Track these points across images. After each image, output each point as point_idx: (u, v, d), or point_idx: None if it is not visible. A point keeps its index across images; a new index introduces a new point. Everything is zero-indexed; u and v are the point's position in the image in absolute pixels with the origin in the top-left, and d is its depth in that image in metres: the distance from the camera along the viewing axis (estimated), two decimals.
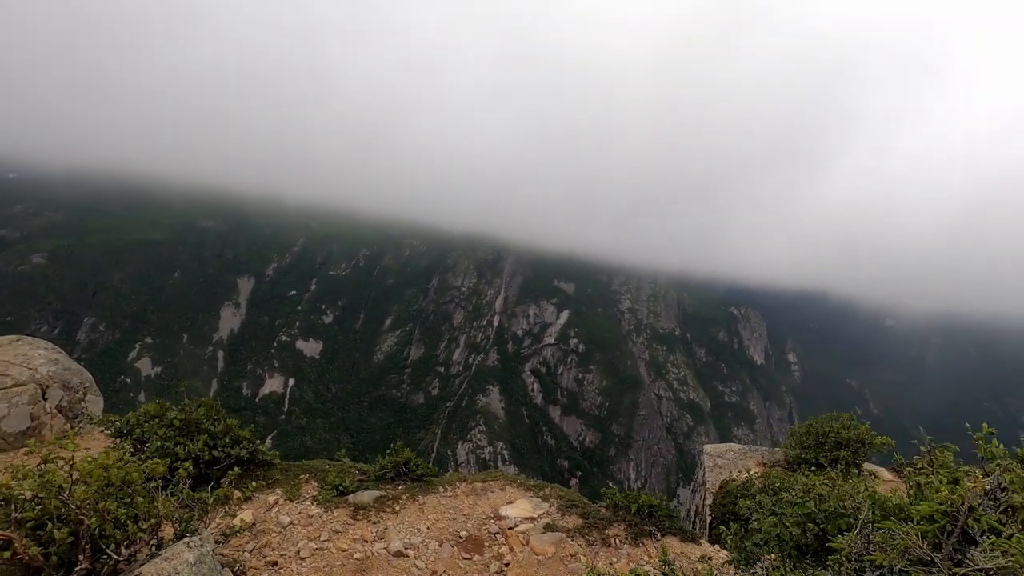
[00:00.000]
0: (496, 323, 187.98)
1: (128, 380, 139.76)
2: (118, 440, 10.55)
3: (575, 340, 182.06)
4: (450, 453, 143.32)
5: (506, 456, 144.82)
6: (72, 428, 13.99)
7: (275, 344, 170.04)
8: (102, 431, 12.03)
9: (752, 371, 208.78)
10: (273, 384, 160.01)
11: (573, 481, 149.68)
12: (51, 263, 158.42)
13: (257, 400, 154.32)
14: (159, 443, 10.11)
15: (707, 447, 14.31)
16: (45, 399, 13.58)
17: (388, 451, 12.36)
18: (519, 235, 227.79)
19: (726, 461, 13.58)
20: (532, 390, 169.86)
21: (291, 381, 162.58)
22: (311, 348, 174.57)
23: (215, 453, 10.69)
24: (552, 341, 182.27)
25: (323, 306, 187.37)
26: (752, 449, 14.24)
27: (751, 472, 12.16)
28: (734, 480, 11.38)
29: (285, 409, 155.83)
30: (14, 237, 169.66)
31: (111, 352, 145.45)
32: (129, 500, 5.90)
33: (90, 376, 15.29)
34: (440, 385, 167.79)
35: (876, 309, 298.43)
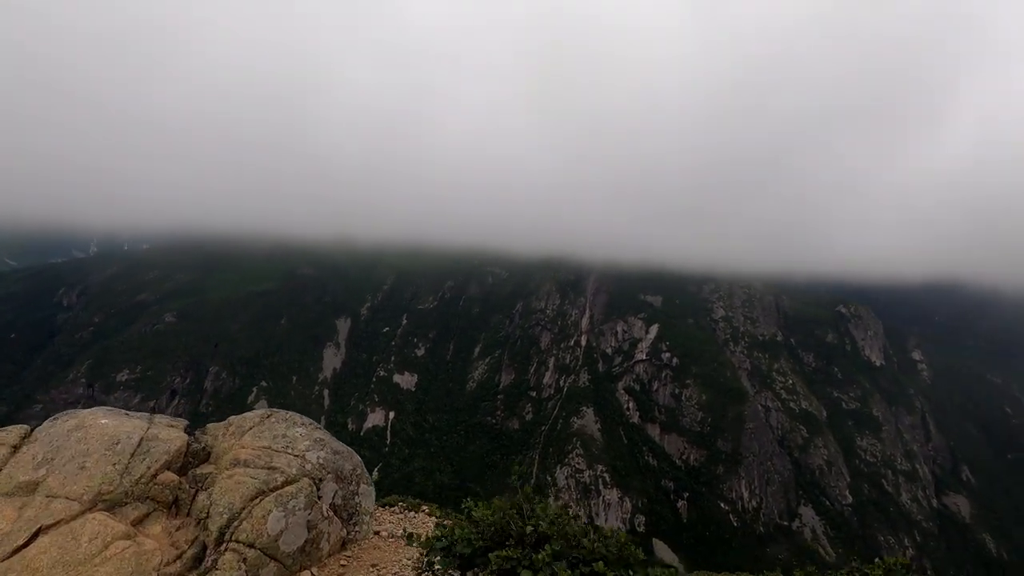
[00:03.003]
0: (584, 343, 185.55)
1: None
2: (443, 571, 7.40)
3: (668, 354, 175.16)
4: (550, 478, 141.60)
5: (607, 479, 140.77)
6: (348, 535, 11.53)
7: (374, 379, 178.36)
8: (411, 545, 8.44)
9: (871, 373, 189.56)
10: (375, 418, 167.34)
11: (680, 503, 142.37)
12: (180, 320, 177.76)
13: (362, 434, 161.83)
14: None
15: None
16: (319, 498, 11.02)
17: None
18: (597, 251, 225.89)
19: None
20: (628, 409, 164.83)
21: (391, 414, 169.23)
22: (407, 381, 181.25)
23: None
24: (643, 357, 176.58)
25: (415, 339, 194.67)
26: None
27: None
28: None
29: (388, 441, 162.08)
30: (150, 300, 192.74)
31: (234, 397, 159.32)
32: None
33: (359, 458, 12.75)
34: (533, 409, 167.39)
35: (1018, 294, 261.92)
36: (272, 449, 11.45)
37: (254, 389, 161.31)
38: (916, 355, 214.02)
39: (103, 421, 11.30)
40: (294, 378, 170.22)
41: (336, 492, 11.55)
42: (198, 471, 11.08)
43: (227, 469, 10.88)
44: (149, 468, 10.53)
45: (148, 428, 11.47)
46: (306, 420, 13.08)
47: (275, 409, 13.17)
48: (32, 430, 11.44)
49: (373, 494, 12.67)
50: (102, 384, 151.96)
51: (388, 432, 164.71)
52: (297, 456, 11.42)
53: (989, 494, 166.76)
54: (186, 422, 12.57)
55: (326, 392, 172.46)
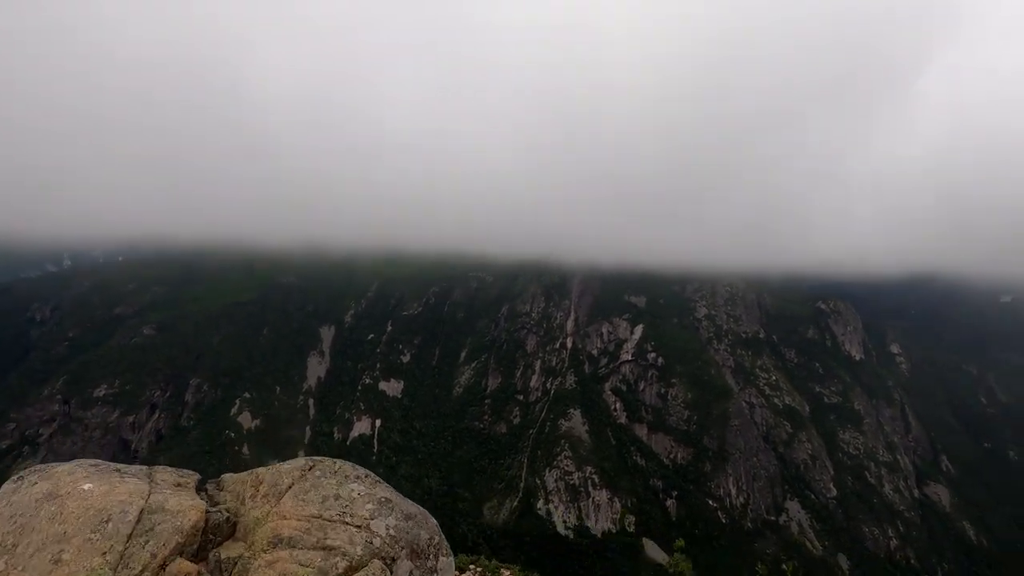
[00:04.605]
0: (570, 345, 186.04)
1: (232, 434, 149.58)
2: None
3: (653, 354, 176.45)
4: (539, 482, 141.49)
5: (596, 481, 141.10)
6: None
7: (360, 387, 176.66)
8: None
9: (851, 368, 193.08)
10: (362, 426, 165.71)
11: (669, 502, 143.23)
12: (159, 333, 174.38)
13: (348, 443, 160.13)
14: None
15: None
16: None
17: None
18: (579, 254, 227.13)
19: None
20: (615, 410, 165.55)
21: (378, 422, 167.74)
22: (393, 388, 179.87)
23: None
24: (629, 357, 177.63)
25: (400, 346, 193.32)
26: None
27: None
28: None
29: (375, 450, 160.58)
30: (128, 313, 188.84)
31: (216, 409, 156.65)
32: None
33: (434, 521, 10.42)
34: (521, 413, 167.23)
35: (989, 285, 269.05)
36: (324, 519, 8.61)
37: (237, 401, 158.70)
38: (894, 348, 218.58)
39: (85, 487, 8.17)
40: (278, 388, 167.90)
41: (411, 571, 8.87)
42: (223, 554, 8.06)
43: (265, 551, 8.04)
44: (154, 556, 7.52)
45: (149, 493, 8.34)
46: (360, 470, 10.24)
47: (317, 458, 10.36)
48: None
49: (453, 565, 10.20)
50: (79, 400, 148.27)
51: (375, 440, 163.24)
52: (360, 527, 8.65)
53: (968, 483, 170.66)
54: (196, 476, 9.75)
55: (311, 401, 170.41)
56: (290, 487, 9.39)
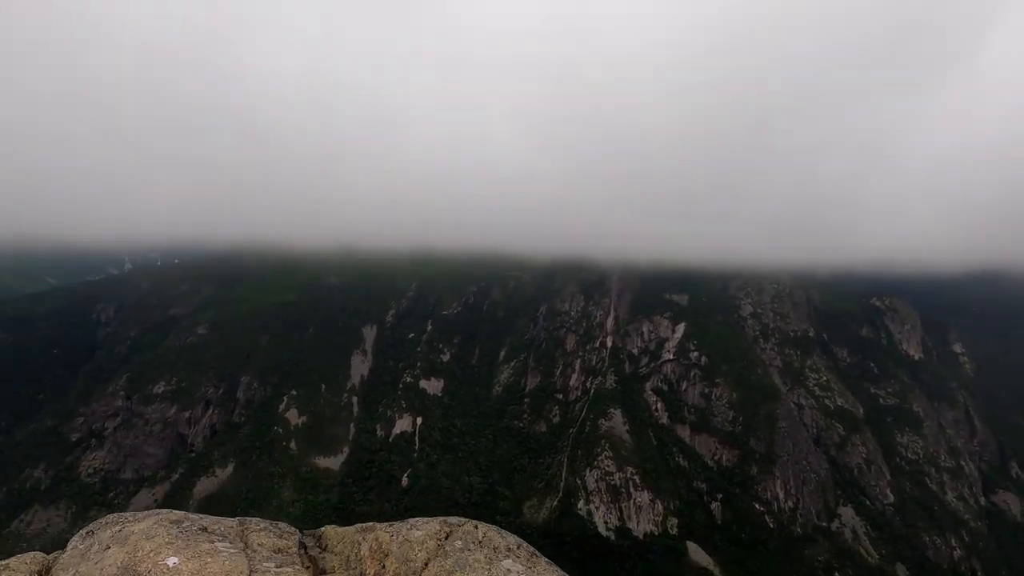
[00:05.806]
0: (610, 344, 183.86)
1: (280, 430, 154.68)
2: None
3: (696, 353, 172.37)
4: (579, 481, 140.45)
5: (637, 481, 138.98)
6: None
7: (401, 386, 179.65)
8: None
9: (910, 368, 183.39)
10: (403, 424, 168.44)
11: (714, 505, 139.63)
12: (211, 332, 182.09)
13: (391, 440, 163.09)
14: None
15: None
16: None
17: None
18: (616, 252, 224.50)
19: None
20: (656, 410, 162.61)
21: (419, 420, 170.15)
22: (433, 386, 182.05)
23: None
24: (671, 357, 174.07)
25: (440, 345, 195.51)
26: None
27: None
28: None
29: (416, 447, 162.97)
30: (183, 313, 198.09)
31: (265, 406, 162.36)
32: None
33: None
34: (560, 412, 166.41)
35: None
36: None
37: (284, 398, 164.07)
38: (957, 347, 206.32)
39: (170, 563, 6.34)
40: (323, 386, 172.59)
41: None
42: None
43: None
44: None
45: (250, 573, 6.38)
46: (510, 539, 7.85)
47: (453, 520, 8.36)
48: (51, 561, 6.89)
49: None
50: (140, 396, 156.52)
51: (416, 438, 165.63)
52: None
53: None
54: (297, 533, 7.78)
55: (355, 399, 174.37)
56: (427, 564, 7.17)
